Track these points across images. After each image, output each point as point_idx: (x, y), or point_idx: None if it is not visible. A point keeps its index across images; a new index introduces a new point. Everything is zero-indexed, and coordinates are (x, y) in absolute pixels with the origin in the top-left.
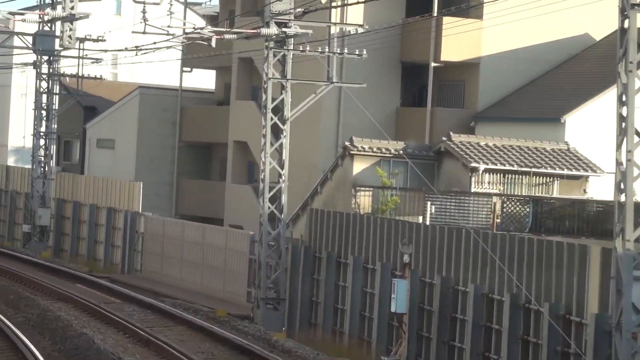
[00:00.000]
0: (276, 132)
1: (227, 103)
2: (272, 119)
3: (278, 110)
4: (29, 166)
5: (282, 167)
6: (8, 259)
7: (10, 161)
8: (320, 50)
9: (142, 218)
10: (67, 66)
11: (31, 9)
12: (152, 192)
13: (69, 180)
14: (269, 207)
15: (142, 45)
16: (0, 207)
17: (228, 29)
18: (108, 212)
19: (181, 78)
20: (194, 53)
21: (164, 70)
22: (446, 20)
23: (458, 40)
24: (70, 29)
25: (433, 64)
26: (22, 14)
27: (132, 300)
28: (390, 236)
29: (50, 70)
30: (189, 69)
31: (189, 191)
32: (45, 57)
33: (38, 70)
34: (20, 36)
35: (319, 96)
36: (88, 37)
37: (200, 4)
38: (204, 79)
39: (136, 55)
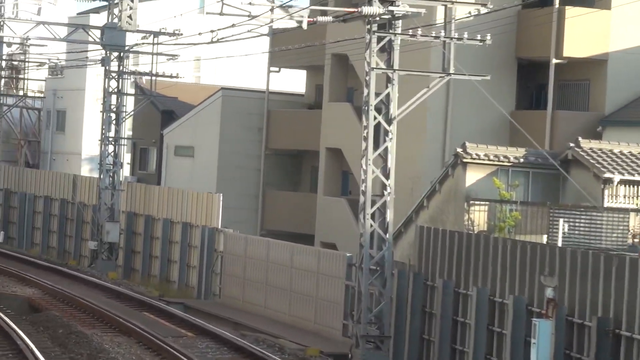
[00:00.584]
0: (377, 135)
1: (319, 106)
2: (375, 117)
3: (381, 109)
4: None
5: (387, 176)
6: (69, 281)
7: (84, 170)
8: (434, 34)
9: (222, 235)
10: (142, 64)
11: None
12: (235, 205)
13: (141, 192)
14: (371, 225)
15: (220, 30)
16: (67, 220)
17: (322, 7)
18: (183, 227)
19: (268, 78)
20: (282, 49)
21: (249, 72)
22: (569, 11)
23: (583, 34)
24: (131, 8)
25: (554, 61)
26: None
27: (207, 334)
28: (524, 263)
29: (121, 67)
30: (276, 69)
31: (276, 204)
32: (115, 53)
33: (107, 67)
34: (87, 30)
35: (432, 90)
36: (163, 30)
37: None
38: (292, 82)
39: (212, 41)
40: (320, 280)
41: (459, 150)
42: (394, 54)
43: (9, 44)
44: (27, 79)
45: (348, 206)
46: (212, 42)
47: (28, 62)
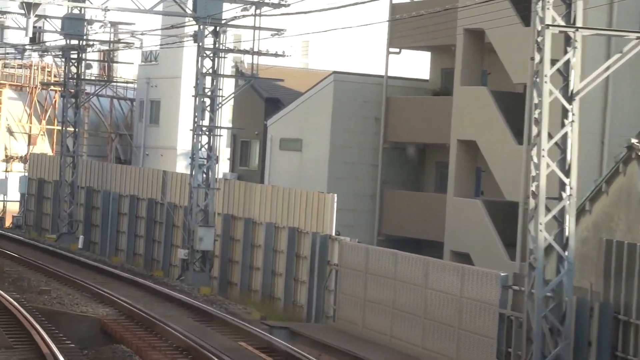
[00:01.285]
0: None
1: (445, 93)
2: (550, 93)
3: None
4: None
5: (566, 173)
6: (153, 298)
7: (180, 167)
8: None
9: (337, 244)
10: (245, 41)
11: None
12: (347, 207)
13: (240, 190)
14: (545, 238)
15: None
16: (155, 224)
17: None
18: (290, 234)
19: (387, 60)
20: (403, 28)
21: (362, 57)
22: None
23: None
24: None
25: None
26: None
27: None
28: None
29: (217, 44)
30: (396, 50)
31: (396, 206)
32: (210, 27)
33: (200, 44)
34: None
35: (627, 56)
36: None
37: None
38: (412, 66)
39: (324, 9)
40: (465, 306)
41: (635, 141)
42: (574, 7)
43: (90, 22)
44: (117, 61)
45: (484, 209)
46: (323, 10)
47: (116, 42)
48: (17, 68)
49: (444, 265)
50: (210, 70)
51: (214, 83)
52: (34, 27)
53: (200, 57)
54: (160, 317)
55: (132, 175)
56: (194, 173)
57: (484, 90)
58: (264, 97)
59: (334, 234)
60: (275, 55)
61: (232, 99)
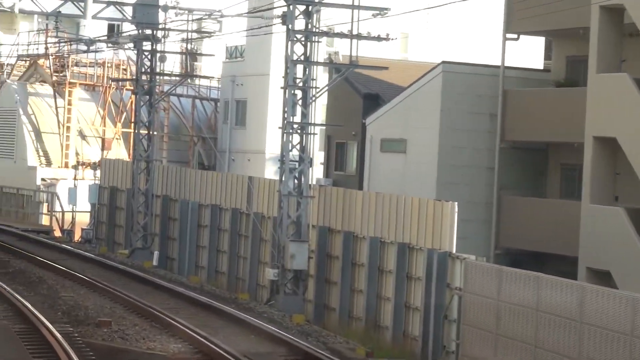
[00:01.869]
0: None
1: (570, 84)
2: None
3: None
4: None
5: None
6: (236, 329)
7: (269, 173)
8: None
9: (460, 264)
10: (341, 23)
11: None
12: (459, 216)
13: (339, 199)
14: None
15: None
16: (240, 237)
17: None
18: (399, 250)
19: (504, 47)
20: (523, 7)
21: (469, 46)
22: None
23: None
24: None
25: None
26: None
27: None
28: None
29: (309, 26)
30: (514, 36)
31: (516, 214)
32: (301, 7)
33: (289, 26)
34: None
35: None
36: None
37: None
38: (527, 55)
39: None
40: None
41: None
42: None
43: (165, 8)
44: (197, 53)
45: (627, 218)
46: None
47: (195, 31)
48: (89, 66)
49: (608, 293)
50: (302, 57)
51: (307, 72)
52: (108, 18)
53: (289, 42)
54: (245, 356)
55: (213, 182)
56: (284, 178)
57: (625, 78)
58: (361, 92)
59: (454, 250)
60: (378, 38)
61: (326, 97)
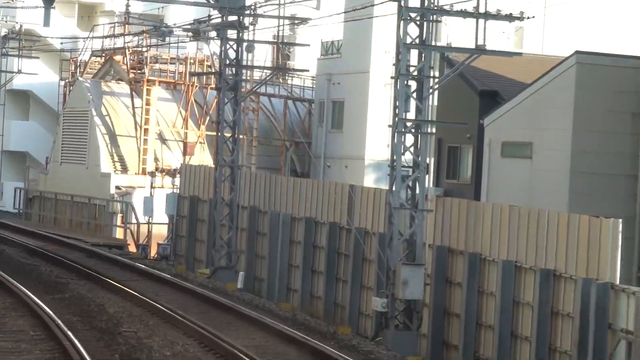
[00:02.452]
0: None
1: None
2: None
3: None
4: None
5: None
6: None
7: (368, 181)
8: None
9: (628, 299)
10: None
11: None
12: None
13: (461, 212)
14: None
15: None
16: (340, 257)
17: None
18: (542, 278)
19: None
20: None
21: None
22: None
23: None
24: None
25: None
26: None
27: None
28: None
29: (425, 2)
30: None
31: None
32: None
33: (402, 2)
34: None
35: None
36: None
37: None
38: None
39: None
40: None
41: None
42: None
43: None
44: (289, 43)
45: None
46: None
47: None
48: (170, 63)
49: None
50: (417, 41)
51: (423, 58)
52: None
53: (402, 22)
54: None
55: (308, 191)
56: (394, 188)
57: None
58: (477, 89)
59: (617, 280)
60: (510, 17)
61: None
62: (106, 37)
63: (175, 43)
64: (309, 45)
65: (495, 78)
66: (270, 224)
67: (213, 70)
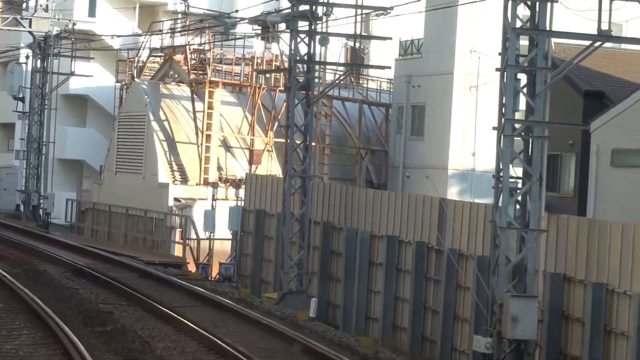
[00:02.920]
0: None
1: None
2: None
3: None
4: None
5: None
6: None
7: (451, 193)
8: None
9: None
10: None
11: None
12: None
13: (580, 233)
14: None
15: None
16: (429, 282)
17: None
18: None
19: None
20: None
21: None
22: None
23: None
24: None
25: None
26: None
27: None
28: None
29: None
30: None
31: None
32: None
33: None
34: None
35: None
36: None
37: None
38: None
39: None
40: None
41: None
42: None
43: None
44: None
45: None
46: None
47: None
48: (235, 63)
49: None
50: (527, 25)
51: (536, 46)
52: None
53: (511, 2)
54: None
55: (390, 205)
56: (501, 203)
57: None
58: (581, 89)
59: None
60: None
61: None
62: (164, 32)
63: (240, 38)
64: (390, 38)
65: (601, 77)
66: (347, 242)
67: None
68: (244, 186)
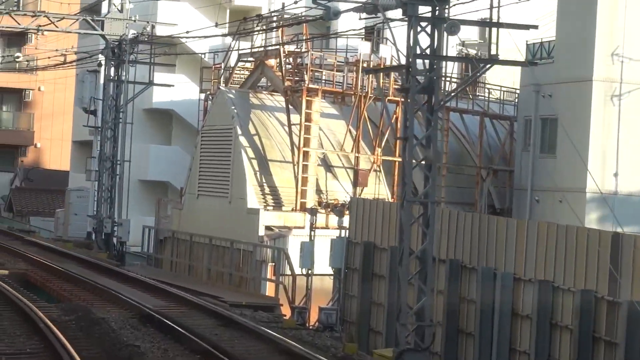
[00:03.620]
0: None
1: None
2: None
3: None
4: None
5: None
6: None
7: (589, 220)
8: None
9: None
10: None
11: None
12: None
13: None
14: None
15: None
16: (598, 344)
17: None
18: None
19: None
20: None
21: None
22: None
23: None
24: None
25: None
26: None
27: None
28: None
29: None
30: None
31: None
32: None
33: None
34: None
35: None
36: None
37: None
38: None
39: None
40: None
41: None
42: None
43: None
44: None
45: None
46: None
47: None
48: (337, 70)
49: None
50: None
51: None
52: None
53: None
54: None
55: (541, 239)
56: None
57: None
58: None
59: None
60: None
61: None
62: (255, 29)
63: (342, 35)
64: (536, 27)
65: None
66: (481, 287)
67: (391, 80)
68: (347, 212)
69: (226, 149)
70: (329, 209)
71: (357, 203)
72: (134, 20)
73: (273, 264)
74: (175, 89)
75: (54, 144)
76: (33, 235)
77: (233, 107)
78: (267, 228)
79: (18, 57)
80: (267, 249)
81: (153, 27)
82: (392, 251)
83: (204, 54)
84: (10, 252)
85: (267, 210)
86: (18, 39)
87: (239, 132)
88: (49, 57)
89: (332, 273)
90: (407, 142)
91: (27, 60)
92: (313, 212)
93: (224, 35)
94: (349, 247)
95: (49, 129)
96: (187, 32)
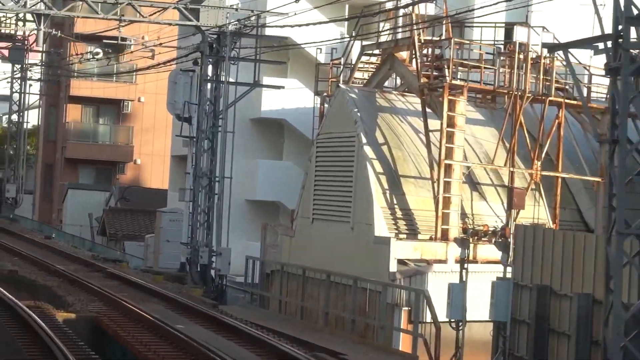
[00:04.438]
0: None
1: None
2: None
3: None
4: None
5: None
6: None
7: None
8: None
9: None
10: None
11: None
12: None
13: None
14: None
15: None
16: None
17: None
18: None
19: None
20: None
21: None
22: None
23: None
24: None
25: None
26: None
27: None
28: None
29: None
30: None
31: None
32: None
33: None
34: None
35: None
36: None
37: None
38: None
39: None
40: None
41: None
42: None
43: None
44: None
45: None
46: None
47: None
48: (485, 67)
49: None
50: None
51: None
52: None
53: None
54: None
55: None
56: None
57: None
58: None
59: None
60: None
61: None
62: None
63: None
64: None
65: None
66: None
67: (552, 82)
68: (512, 244)
69: (348, 161)
70: (478, 238)
71: (525, 232)
72: (236, 10)
73: (409, 308)
74: (288, 96)
75: (155, 160)
76: (120, 266)
77: (356, 110)
78: (400, 262)
79: (97, 53)
80: (400, 290)
81: (258, 17)
82: (579, 301)
83: (320, 46)
84: (85, 288)
85: (400, 239)
86: (117, 46)
87: (364, 140)
88: (143, 58)
89: (488, 321)
90: (615, 146)
91: (127, 71)
92: (464, 243)
93: (352, 37)
94: (516, 290)
95: (150, 144)
96: (299, 25)
